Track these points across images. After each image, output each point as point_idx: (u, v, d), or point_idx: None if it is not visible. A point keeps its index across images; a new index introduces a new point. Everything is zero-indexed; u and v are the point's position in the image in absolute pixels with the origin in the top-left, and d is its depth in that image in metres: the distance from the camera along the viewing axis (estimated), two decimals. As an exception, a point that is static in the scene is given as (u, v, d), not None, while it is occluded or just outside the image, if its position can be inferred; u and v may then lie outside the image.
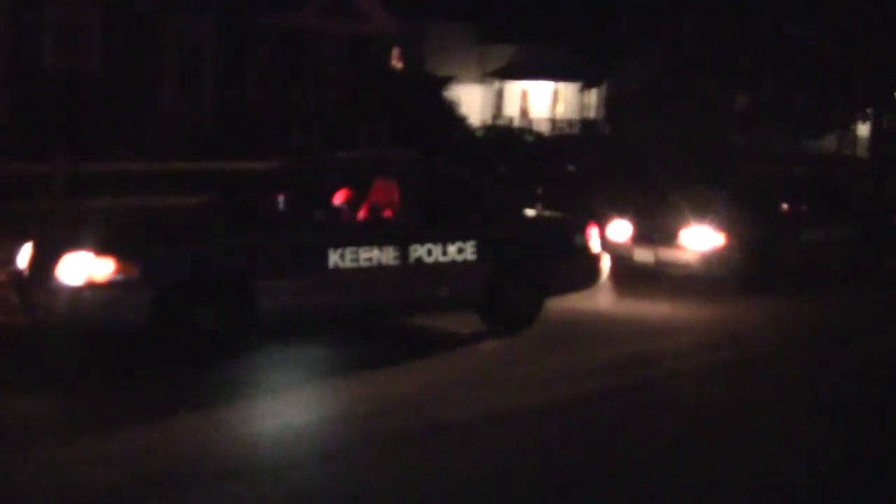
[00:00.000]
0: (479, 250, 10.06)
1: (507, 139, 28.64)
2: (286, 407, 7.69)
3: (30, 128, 19.60)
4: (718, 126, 26.96)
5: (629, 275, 13.55)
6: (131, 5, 21.58)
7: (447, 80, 28.17)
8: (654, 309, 12.21)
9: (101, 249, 8.41)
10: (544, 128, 39.60)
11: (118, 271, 8.33)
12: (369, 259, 9.41)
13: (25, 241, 9.46)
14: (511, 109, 43.94)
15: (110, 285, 8.32)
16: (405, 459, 6.74)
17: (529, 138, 29.86)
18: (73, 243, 8.64)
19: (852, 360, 10.36)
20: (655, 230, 13.70)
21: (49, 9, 20.82)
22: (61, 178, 12.34)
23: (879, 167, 26.82)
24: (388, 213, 9.90)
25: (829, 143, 34.33)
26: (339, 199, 10.00)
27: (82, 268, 8.32)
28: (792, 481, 6.67)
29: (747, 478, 6.69)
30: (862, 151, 33.92)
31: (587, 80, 38.67)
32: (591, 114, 41.15)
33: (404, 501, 6.06)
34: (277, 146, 16.91)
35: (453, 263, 9.92)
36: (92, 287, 8.30)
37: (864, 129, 33.83)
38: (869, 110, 30.53)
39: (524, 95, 44.52)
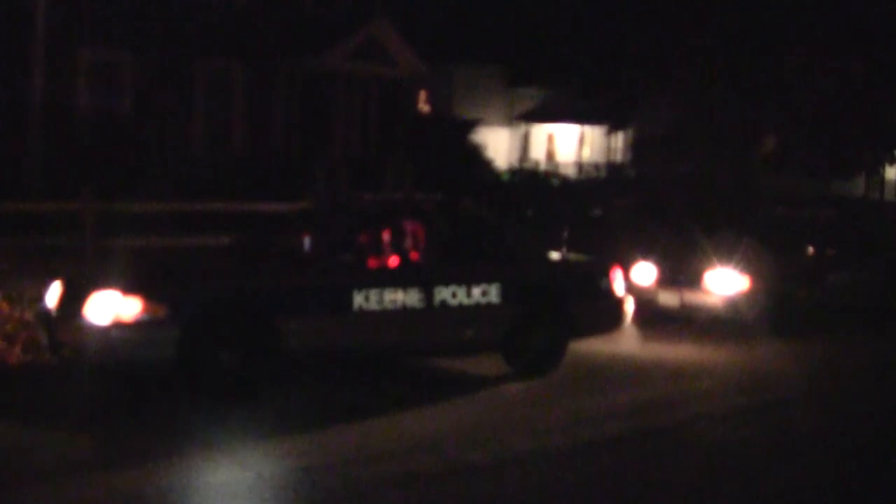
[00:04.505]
0: (504, 293, 10.09)
1: (533, 182, 28.79)
2: (308, 447, 7.71)
3: (62, 166, 19.90)
4: (744, 169, 26.95)
5: (654, 318, 13.54)
6: (161, 47, 21.91)
7: (474, 123, 28.37)
8: (678, 352, 12.18)
9: (129, 289, 8.49)
10: (571, 171, 39.71)
11: (145, 311, 8.42)
12: (394, 301, 9.47)
13: (54, 278, 9.57)
14: (537, 152, 44.08)
15: (137, 325, 8.40)
16: (427, 501, 6.74)
17: (556, 181, 30.00)
18: (101, 282, 8.73)
19: (877, 404, 10.30)
20: (680, 273, 13.70)
21: (82, 50, 21.17)
22: (90, 217, 12.50)
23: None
24: (413, 256, 9.96)
25: (858, 185, 34.21)
26: (364, 240, 10.07)
27: (110, 307, 8.41)
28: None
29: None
30: (890, 195, 33.77)
31: (613, 123, 38.73)
32: (618, 157, 41.19)
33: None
34: (304, 188, 17.04)
35: (478, 306, 9.95)
36: (119, 326, 8.38)
37: (892, 173, 33.69)
38: (896, 152, 30.46)
39: (550, 138, 44.65)
